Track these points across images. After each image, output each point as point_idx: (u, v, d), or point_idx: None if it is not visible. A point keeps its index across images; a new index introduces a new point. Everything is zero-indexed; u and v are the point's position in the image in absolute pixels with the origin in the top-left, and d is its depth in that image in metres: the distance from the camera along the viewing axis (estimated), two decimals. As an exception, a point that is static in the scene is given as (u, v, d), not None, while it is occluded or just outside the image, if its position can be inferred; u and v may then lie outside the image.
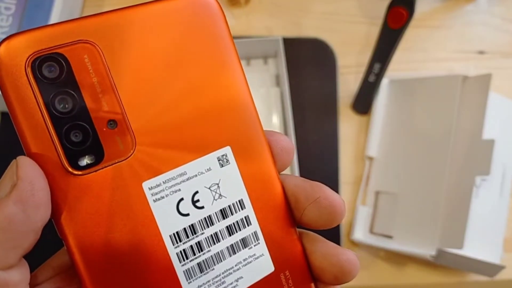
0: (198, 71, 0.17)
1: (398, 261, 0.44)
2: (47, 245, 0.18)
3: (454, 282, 0.44)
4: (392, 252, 0.43)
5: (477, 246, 0.38)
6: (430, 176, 0.40)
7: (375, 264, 0.43)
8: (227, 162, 0.18)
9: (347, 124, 0.47)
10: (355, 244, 0.44)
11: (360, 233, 0.43)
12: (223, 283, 0.17)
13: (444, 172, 0.39)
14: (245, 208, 0.18)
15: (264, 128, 0.19)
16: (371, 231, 0.44)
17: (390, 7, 0.39)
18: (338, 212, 0.18)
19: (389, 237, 0.42)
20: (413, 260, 0.43)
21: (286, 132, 0.43)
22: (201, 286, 0.17)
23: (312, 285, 0.19)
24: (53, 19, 0.40)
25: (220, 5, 0.17)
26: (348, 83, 0.48)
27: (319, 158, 0.45)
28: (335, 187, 0.44)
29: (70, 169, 0.15)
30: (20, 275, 0.15)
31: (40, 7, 0.40)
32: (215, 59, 0.17)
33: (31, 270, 0.16)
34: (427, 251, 0.38)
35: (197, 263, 0.17)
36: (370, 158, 0.45)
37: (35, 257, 0.17)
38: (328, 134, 0.46)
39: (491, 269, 0.38)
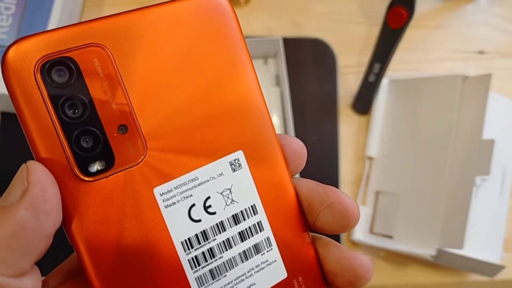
0: (210, 74, 0.17)
1: (398, 261, 0.44)
2: (58, 250, 0.18)
3: (454, 282, 0.44)
4: (392, 252, 0.43)
5: (477, 246, 0.38)
6: (430, 176, 0.40)
7: (375, 264, 0.43)
8: (239, 166, 0.17)
9: (347, 124, 0.47)
10: (355, 244, 0.44)
11: (360, 233, 0.43)
12: None
13: (444, 172, 0.39)
14: (257, 213, 0.18)
15: (289, 135, 0.18)
16: (371, 231, 0.44)
17: (390, 7, 0.39)
18: (352, 217, 0.17)
19: (389, 237, 0.42)
20: (413, 260, 0.43)
21: (286, 132, 0.43)
22: None
23: None
24: (53, 19, 0.40)
25: (232, 7, 0.17)
26: (348, 83, 0.48)
27: (319, 158, 0.45)
28: (335, 187, 0.44)
29: (80, 175, 0.15)
30: (33, 282, 0.14)
31: (40, 7, 0.40)
32: (227, 61, 0.17)
33: (42, 276, 0.16)
34: (427, 251, 0.38)
35: (209, 270, 0.17)
36: (370, 158, 0.45)
37: (46, 263, 0.17)
38: (328, 134, 0.46)
39: (491, 269, 0.38)
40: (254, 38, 0.45)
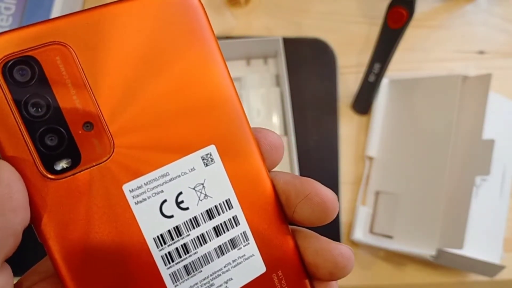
0: (178, 68, 0.16)
1: (398, 261, 0.44)
2: (34, 251, 0.18)
3: (454, 282, 0.44)
4: (392, 252, 0.43)
5: (477, 246, 0.38)
6: (430, 176, 0.40)
7: (375, 264, 0.43)
8: (212, 161, 0.17)
9: (347, 124, 0.47)
10: (355, 244, 0.44)
11: (360, 233, 0.43)
12: (212, 285, 0.17)
13: (444, 172, 0.39)
14: (232, 208, 0.17)
15: (264, 127, 0.18)
16: (371, 231, 0.44)
17: (390, 7, 0.39)
18: (330, 208, 0.17)
19: (389, 237, 0.42)
20: (413, 260, 0.43)
21: (286, 132, 0.43)
22: None
23: (307, 282, 0.18)
24: (53, 19, 0.40)
25: (200, 0, 0.17)
26: (348, 83, 0.48)
27: (319, 158, 0.45)
28: (335, 187, 0.44)
29: (46, 174, 0.15)
30: (3, 279, 0.14)
31: (40, 7, 0.40)
32: (196, 55, 0.17)
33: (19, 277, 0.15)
34: (427, 251, 0.38)
35: (184, 266, 0.17)
36: (370, 158, 0.45)
37: (21, 264, 0.16)
38: (328, 134, 0.46)
39: (491, 269, 0.38)
40: (254, 38, 0.45)
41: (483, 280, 0.43)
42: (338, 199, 0.45)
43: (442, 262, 0.39)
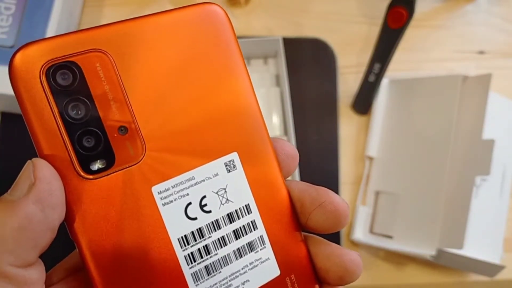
0: (206, 79, 0.17)
1: (398, 261, 0.44)
2: (60, 247, 0.18)
3: (454, 282, 0.44)
4: (392, 252, 0.43)
5: (477, 246, 0.38)
6: (430, 176, 0.41)
7: (375, 264, 0.43)
8: (234, 167, 0.18)
9: (347, 124, 0.47)
10: (355, 244, 0.44)
11: (360, 233, 0.43)
12: (229, 286, 0.18)
13: (444, 172, 0.39)
14: (251, 212, 0.18)
15: (281, 138, 0.19)
16: (371, 231, 0.44)
17: (390, 7, 0.39)
18: (342, 216, 0.18)
19: (389, 237, 0.42)
20: (413, 260, 0.43)
21: (286, 132, 0.43)
22: None
23: (317, 287, 0.19)
24: (53, 19, 0.40)
25: (227, 14, 0.18)
26: (348, 83, 0.48)
27: (319, 158, 0.45)
28: (335, 187, 0.44)
29: (82, 173, 0.16)
30: (38, 273, 0.15)
31: (40, 7, 0.40)
32: (223, 67, 0.18)
33: (46, 271, 0.16)
34: (427, 251, 0.38)
35: (205, 266, 0.17)
36: (370, 158, 0.45)
37: (49, 259, 0.17)
38: (328, 134, 0.46)
39: (491, 269, 0.38)
40: (254, 38, 0.45)
41: (483, 280, 0.43)
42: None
43: (442, 262, 0.39)
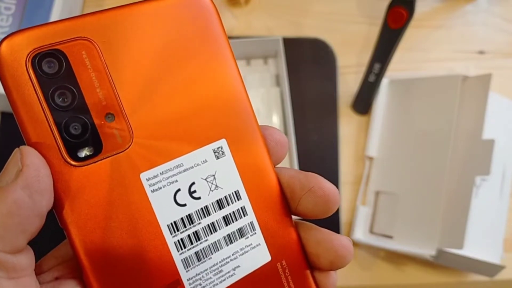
0: (194, 66, 0.18)
1: (398, 261, 0.44)
2: (50, 238, 0.18)
3: (454, 282, 0.44)
4: (392, 252, 0.43)
5: (477, 246, 0.38)
6: (430, 176, 0.40)
7: (375, 264, 0.43)
8: (222, 154, 0.18)
9: (347, 124, 0.47)
10: (355, 244, 0.44)
11: (360, 233, 0.43)
12: (220, 271, 0.18)
13: (444, 172, 0.39)
14: (241, 199, 0.18)
15: (270, 125, 0.19)
16: (371, 231, 0.44)
17: (390, 7, 0.39)
18: (332, 200, 0.18)
19: (389, 237, 0.42)
20: (413, 260, 0.43)
21: (286, 132, 0.43)
22: (199, 274, 0.17)
23: (308, 272, 0.19)
24: (53, 19, 0.40)
25: (213, 3, 0.18)
26: (348, 83, 0.48)
27: (319, 158, 0.45)
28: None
29: (69, 160, 0.16)
30: (27, 260, 0.15)
31: (40, 7, 0.40)
32: (210, 54, 0.18)
33: (36, 261, 0.16)
34: (427, 251, 0.38)
35: (195, 252, 0.17)
36: (370, 158, 0.45)
37: (40, 249, 0.17)
38: (328, 134, 0.46)
39: (491, 269, 0.38)
40: (254, 38, 0.45)
41: (483, 280, 0.43)
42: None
43: (442, 262, 0.39)
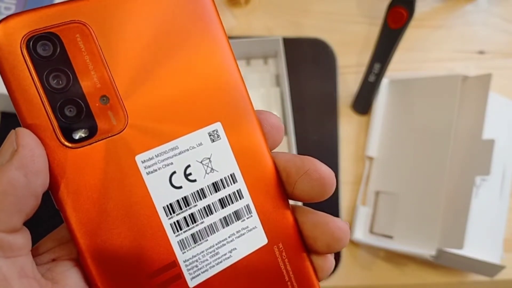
0: (188, 50, 0.18)
1: (398, 261, 0.44)
2: (48, 224, 0.19)
3: (454, 282, 0.44)
4: (392, 252, 0.43)
5: (477, 246, 0.38)
6: (430, 176, 0.40)
7: (375, 264, 0.43)
8: (218, 137, 0.18)
9: (347, 124, 0.47)
10: (355, 244, 0.44)
11: (360, 233, 0.43)
12: (217, 253, 0.18)
13: (444, 172, 0.39)
14: (237, 182, 0.18)
15: (266, 110, 0.19)
16: (371, 231, 0.44)
17: (390, 7, 0.39)
18: (328, 183, 0.18)
19: (389, 237, 0.42)
20: (413, 260, 0.43)
21: (286, 132, 0.43)
22: (195, 256, 0.17)
23: (305, 255, 0.19)
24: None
25: None
26: (348, 83, 0.48)
27: (319, 158, 0.45)
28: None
29: (64, 142, 0.16)
30: (23, 239, 0.15)
31: (40, 7, 0.40)
32: (204, 38, 0.18)
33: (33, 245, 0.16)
34: (427, 251, 0.38)
35: (191, 234, 0.17)
36: (370, 158, 0.45)
37: (38, 236, 0.17)
38: (328, 134, 0.46)
39: (491, 269, 0.38)
40: (254, 38, 0.45)
41: (483, 280, 0.43)
42: (338, 199, 0.45)
43: (442, 262, 0.39)
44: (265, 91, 0.44)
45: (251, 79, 0.44)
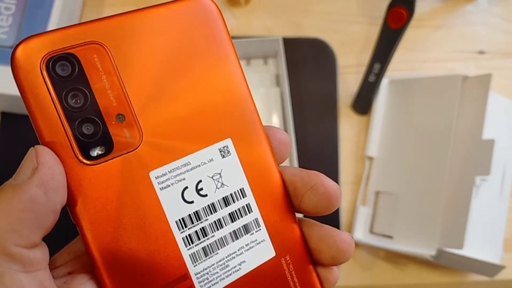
0: (200, 68, 0.18)
1: (398, 261, 0.44)
2: (64, 237, 0.19)
3: (454, 282, 0.44)
4: (392, 252, 0.43)
5: (477, 246, 0.38)
6: (430, 176, 0.40)
7: (375, 264, 0.43)
8: (228, 153, 0.19)
9: (347, 124, 0.47)
10: (355, 244, 0.44)
11: (360, 233, 0.43)
12: (226, 266, 0.18)
13: (444, 172, 0.39)
14: (246, 196, 0.19)
15: (273, 125, 0.20)
16: (371, 231, 0.44)
17: (390, 7, 0.39)
18: (334, 197, 0.18)
19: (389, 237, 0.42)
20: (413, 260, 0.43)
21: (286, 132, 0.43)
22: (206, 269, 0.18)
23: (311, 267, 0.19)
24: (53, 19, 0.40)
25: (218, 8, 0.19)
26: (348, 83, 0.48)
27: (319, 158, 0.45)
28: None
29: (82, 159, 0.17)
30: (42, 254, 0.16)
31: (40, 7, 0.40)
32: (215, 56, 0.19)
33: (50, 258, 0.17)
34: (427, 251, 0.38)
35: (202, 248, 0.18)
36: (370, 158, 0.45)
37: (54, 248, 0.18)
38: (328, 134, 0.46)
39: (491, 269, 0.38)
40: (254, 38, 0.45)
41: (483, 280, 0.43)
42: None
43: (442, 262, 0.39)
44: (265, 91, 0.44)
45: (251, 79, 0.44)
